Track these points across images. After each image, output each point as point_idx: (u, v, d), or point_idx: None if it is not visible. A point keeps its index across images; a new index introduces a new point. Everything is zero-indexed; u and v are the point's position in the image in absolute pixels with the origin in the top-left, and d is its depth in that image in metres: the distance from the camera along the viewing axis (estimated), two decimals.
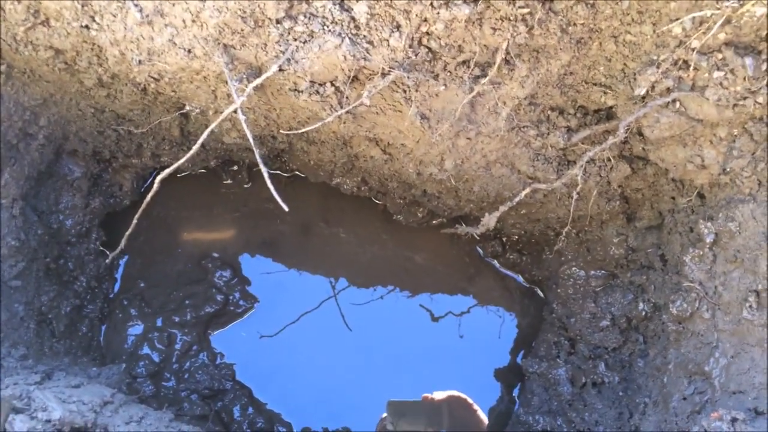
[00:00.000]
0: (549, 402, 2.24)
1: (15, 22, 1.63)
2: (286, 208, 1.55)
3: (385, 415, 2.61)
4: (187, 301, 2.64)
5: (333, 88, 1.53)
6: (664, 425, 1.70)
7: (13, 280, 2.09)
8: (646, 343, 2.06)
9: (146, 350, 2.56)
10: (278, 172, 2.76)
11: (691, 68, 1.37)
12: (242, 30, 1.47)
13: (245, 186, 2.88)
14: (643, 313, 2.05)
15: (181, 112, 2.02)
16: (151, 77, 1.69)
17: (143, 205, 1.91)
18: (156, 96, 1.95)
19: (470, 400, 2.69)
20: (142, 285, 2.70)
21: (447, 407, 2.61)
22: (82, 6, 1.52)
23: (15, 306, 2.08)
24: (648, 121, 1.53)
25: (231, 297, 2.70)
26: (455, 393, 2.66)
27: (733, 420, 1.42)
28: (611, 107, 1.62)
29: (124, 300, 2.62)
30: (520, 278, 2.79)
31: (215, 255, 2.77)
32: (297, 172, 2.73)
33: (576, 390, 2.21)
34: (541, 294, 2.73)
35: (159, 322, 2.62)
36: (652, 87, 1.45)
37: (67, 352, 2.30)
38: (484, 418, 2.65)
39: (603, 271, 2.28)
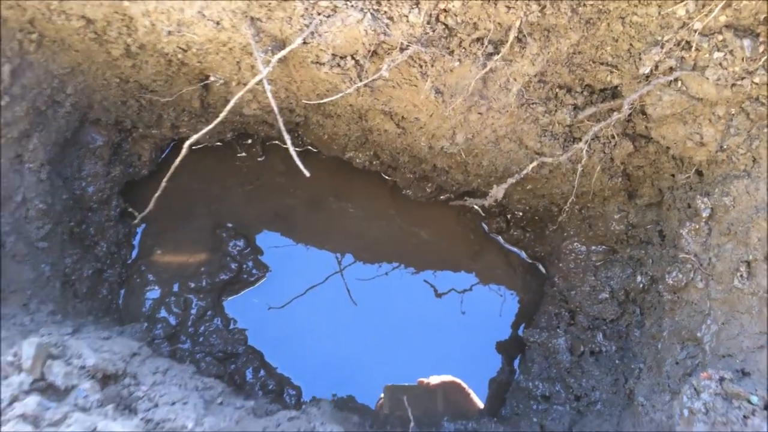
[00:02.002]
0: (548, 369, 2.36)
1: None
2: (307, 174, 1.64)
3: (382, 396, 2.73)
4: (202, 269, 2.75)
5: (353, 62, 1.62)
6: (657, 387, 1.81)
7: (40, 241, 2.19)
8: (643, 314, 2.16)
9: (163, 314, 2.67)
10: (298, 146, 2.85)
11: (693, 49, 1.45)
12: (269, 3, 1.55)
13: (258, 159, 2.97)
14: (641, 285, 2.15)
15: (204, 83, 2.11)
16: (179, 48, 1.78)
17: (171, 169, 2.01)
18: (180, 67, 2.03)
19: (464, 385, 2.81)
20: (158, 252, 2.81)
21: (442, 391, 2.73)
22: None
23: (42, 266, 2.18)
24: (651, 99, 1.62)
25: (244, 265, 2.80)
26: (450, 378, 2.78)
27: (721, 379, 1.53)
28: (616, 86, 1.71)
29: (142, 266, 2.73)
30: (524, 254, 2.89)
31: (229, 225, 2.87)
32: (309, 147, 2.82)
33: (574, 358, 2.32)
34: (543, 270, 2.83)
35: (176, 288, 2.73)
36: (656, 66, 1.53)
37: (89, 313, 2.41)
38: (478, 402, 2.77)
39: (604, 247, 2.38)
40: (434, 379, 2.74)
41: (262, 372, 2.68)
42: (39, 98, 2.06)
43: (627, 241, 2.26)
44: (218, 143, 2.86)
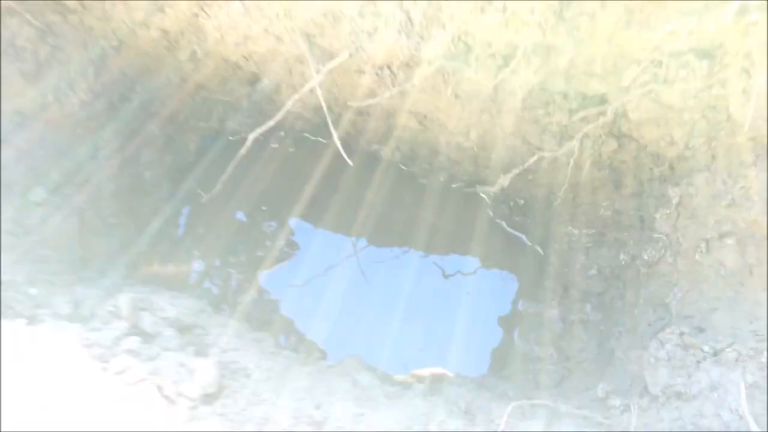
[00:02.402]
0: (543, 335, 2.73)
1: (137, 8, 2.07)
2: (350, 163, 2.01)
3: None
4: (240, 246, 3.12)
5: (389, 71, 1.98)
6: (633, 345, 2.18)
7: (111, 217, 2.55)
8: (624, 287, 2.53)
9: (207, 284, 3.04)
10: (319, 138, 3.21)
11: (664, 66, 1.81)
12: (322, 23, 1.91)
13: (289, 150, 3.34)
14: (623, 262, 2.53)
15: (253, 84, 2.47)
16: (242, 56, 2.13)
17: (238, 156, 2.37)
18: (235, 70, 2.39)
19: (450, 374, 3.17)
20: (201, 230, 3.18)
21: (429, 381, 3.09)
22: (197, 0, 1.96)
23: (112, 238, 2.55)
24: (631, 106, 1.98)
25: (277, 244, 3.17)
26: (439, 369, 3.13)
27: (681, 334, 1.90)
28: (603, 94, 2.07)
29: (189, 242, 3.10)
30: (524, 237, 3.27)
31: (264, 208, 3.24)
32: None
33: (566, 326, 2.69)
34: (541, 251, 3.21)
35: (217, 263, 3.11)
36: (635, 80, 1.89)
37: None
38: None
39: (593, 230, 2.75)
40: (424, 371, 3.10)
41: (294, 338, 3.05)
42: (114, 94, 2.42)
43: (613, 225, 2.63)
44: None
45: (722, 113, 1.84)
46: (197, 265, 3.14)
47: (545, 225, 3.03)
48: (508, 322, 3.27)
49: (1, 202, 2.08)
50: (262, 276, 3.29)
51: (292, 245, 3.23)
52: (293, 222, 3.39)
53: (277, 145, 3.30)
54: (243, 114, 2.80)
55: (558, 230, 2.94)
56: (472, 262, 3.48)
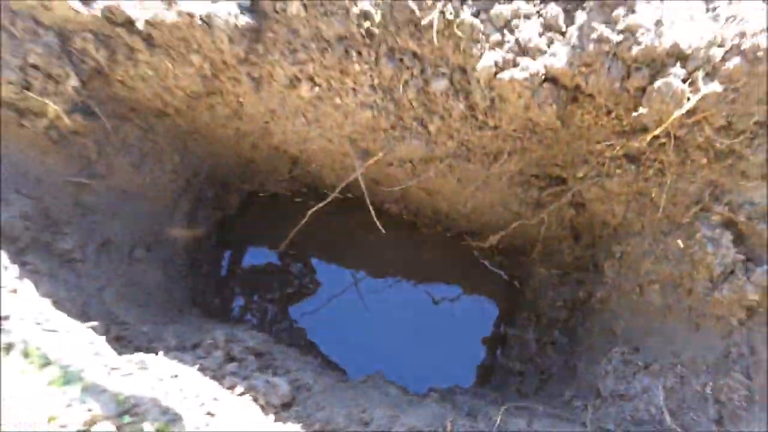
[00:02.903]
0: (522, 354, 3.48)
1: (221, 116, 2.76)
2: (383, 231, 2.72)
3: None
4: (273, 284, 3.80)
5: (411, 164, 2.71)
6: (590, 361, 2.94)
7: (182, 268, 3.21)
8: (584, 316, 3.30)
9: (249, 317, 3.71)
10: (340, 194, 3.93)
11: (605, 165, 2.59)
12: (363, 131, 2.63)
13: (310, 202, 4.04)
14: (582, 297, 3.29)
15: (295, 163, 3.17)
16: (298, 150, 2.84)
17: (298, 226, 3.06)
18: (284, 153, 3.10)
19: None
20: (239, 272, 3.85)
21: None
22: (270, 112, 2.67)
23: (183, 285, 3.21)
24: (584, 188, 2.75)
25: (302, 282, 3.86)
26: None
27: (623, 353, 2.66)
28: (565, 178, 2.84)
29: (231, 282, 3.77)
30: (503, 274, 4.03)
31: (291, 252, 3.93)
32: (351, 196, 3.90)
33: (539, 346, 3.45)
34: (518, 285, 3.97)
35: (256, 298, 3.78)
36: (587, 173, 2.66)
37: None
38: None
39: (560, 271, 3.52)
40: None
41: (318, 359, 3.74)
42: (190, 172, 3.09)
43: (574, 268, 3.41)
44: (280, 191, 3.93)
45: (647, 198, 2.62)
46: (239, 300, 3.82)
47: (521, 265, 3.79)
48: (490, 342, 4.02)
49: (114, 260, 2.73)
50: (292, 309, 3.98)
51: (315, 282, 3.93)
52: (316, 262, 4.09)
53: (300, 200, 4.01)
54: (280, 180, 3.51)
55: (532, 269, 3.70)
56: (457, 290, 4.24)
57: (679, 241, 2.48)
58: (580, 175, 2.67)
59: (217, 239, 3.70)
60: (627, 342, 2.80)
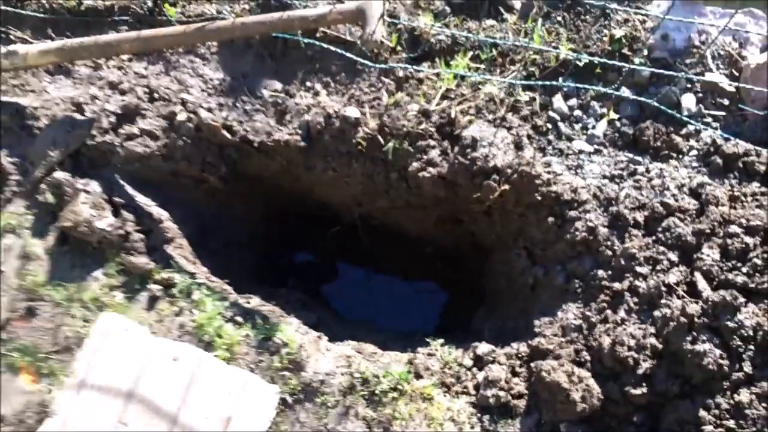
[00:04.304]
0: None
1: (289, 180, 5.47)
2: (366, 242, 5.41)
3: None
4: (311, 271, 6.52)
5: (383, 209, 5.41)
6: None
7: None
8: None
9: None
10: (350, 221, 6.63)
11: (477, 215, 5.23)
12: (360, 194, 5.31)
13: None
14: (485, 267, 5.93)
15: (324, 204, 5.87)
16: (327, 198, 5.55)
17: (325, 239, 5.77)
18: (317, 199, 5.79)
19: None
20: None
21: None
22: (312, 183, 5.38)
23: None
24: (472, 225, 5.40)
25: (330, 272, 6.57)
26: None
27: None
28: (462, 219, 5.48)
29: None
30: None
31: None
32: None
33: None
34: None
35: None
36: (470, 218, 5.31)
37: None
38: None
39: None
40: None
41: (338, 326, 6.45)
42: (268, 207, 5.82)
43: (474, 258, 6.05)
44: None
45: (495, 231, 5.27)
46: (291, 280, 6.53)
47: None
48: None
49: (236, 252, 5.46)
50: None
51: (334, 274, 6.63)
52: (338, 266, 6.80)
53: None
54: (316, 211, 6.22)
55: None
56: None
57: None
58: (467, 219, 5.30)
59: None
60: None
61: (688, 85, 4.75)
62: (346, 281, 6.67)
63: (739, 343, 3.56)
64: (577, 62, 4.71)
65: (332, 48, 4.98)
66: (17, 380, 4.31)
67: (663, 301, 3.88)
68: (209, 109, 5.02)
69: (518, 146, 4.70)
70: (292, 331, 4.40)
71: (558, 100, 4.79)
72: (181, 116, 4.93)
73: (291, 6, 4.93)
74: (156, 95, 5.06)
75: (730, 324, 3.54)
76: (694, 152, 4.54)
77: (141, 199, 4.86)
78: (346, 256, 6.79)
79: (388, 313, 6.45)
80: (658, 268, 4.04)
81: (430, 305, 6.62)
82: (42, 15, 5.31)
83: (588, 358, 3.98)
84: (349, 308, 6.44)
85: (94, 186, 4.71)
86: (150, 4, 5.28)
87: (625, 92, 4.70)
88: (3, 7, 5.36)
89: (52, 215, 4.69)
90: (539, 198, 4.50)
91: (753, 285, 3.78)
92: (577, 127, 4.74)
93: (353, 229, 5.59)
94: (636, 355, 3.73)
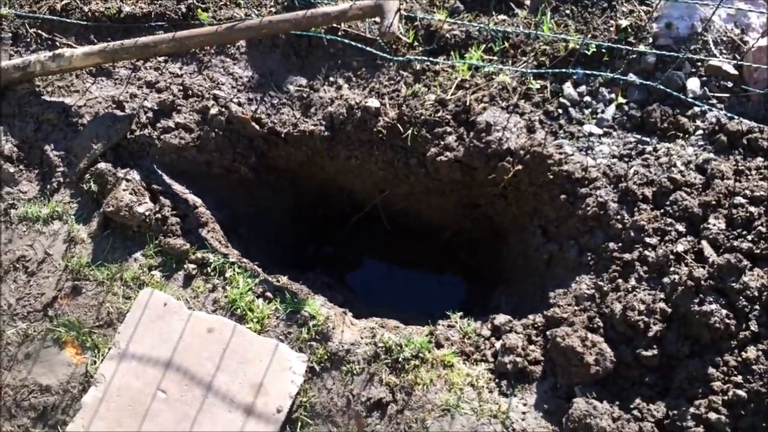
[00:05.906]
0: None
1: (313, 170, 5.78)
2: (389, 228, 5.68)
3: None
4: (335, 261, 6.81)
5: (404, 194, 5.69)
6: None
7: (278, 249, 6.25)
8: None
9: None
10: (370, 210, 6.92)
11: (493, 199, 5.49)
12: (381, 181, 5.60)
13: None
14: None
15: (349, 193, 6.17)
16: (350, 187, 5.85)
17: (348, 226, 6.07)
18: (339, 188, 6.09)
19: None
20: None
21: None
22: (336, 171, 5.68)
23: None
24: (488, 208, 5.65)
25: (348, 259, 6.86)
26: None
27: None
28: (479, 203, 5.74)
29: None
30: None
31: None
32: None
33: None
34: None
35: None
36: (486, 201, 5.57)
37: None
38: None
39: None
40: None
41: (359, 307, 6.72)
42: (295, 197, 6.14)
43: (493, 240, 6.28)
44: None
45: (511, 213, 5.51)
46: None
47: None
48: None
49: (262, 234, 5.78)
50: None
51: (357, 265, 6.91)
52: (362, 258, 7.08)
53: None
54: (339, 202, 6.52)
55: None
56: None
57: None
58: (483, 203, 5.55)
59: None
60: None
61: (693, 70, 4.97)
62: (368, 271, 6.93)
63: (745, 303, 3.69)
64: (585, 51, 4.97)
65: (354, 43, 5.31)
66: (63, 353, 4.62)
67: (672, 268, 4.05)
68: (239, 104, 5.37)
69: (530, 130, 4.95)
70: (318, 305, 4.67)
71: (568, 87, 5.05)
72: (214, 110, 5.29)
73: (315, 6, 5.27)
74: (190, 92, 5.43)
75: (736, 285, 3.69)
76: (699, 132, 4.74)
77: (177, 187, 5.21)
78: (369, 248, 7.06)
79: (409, 301, 6.67)
80: (666, 238, 4.23)
81: (450, 293, 6.84)
82: (85, 23, 5.73)
83: (601, 324, 4.17)
84: (371, 296, 6.68)
85: (134, 175, 5.07)
86: (184, 9, 5.67)
87: (633, 78, 4.92)
88: (50, 17, 5.79)
89: (96, 202, 5.05)
90: (551, 177, 4.74)
91: (758, 251, 3.95)
92: (587, 111, 4.98)
93: (376, 220, 5.85)
94: (647, 319, 3.91)
